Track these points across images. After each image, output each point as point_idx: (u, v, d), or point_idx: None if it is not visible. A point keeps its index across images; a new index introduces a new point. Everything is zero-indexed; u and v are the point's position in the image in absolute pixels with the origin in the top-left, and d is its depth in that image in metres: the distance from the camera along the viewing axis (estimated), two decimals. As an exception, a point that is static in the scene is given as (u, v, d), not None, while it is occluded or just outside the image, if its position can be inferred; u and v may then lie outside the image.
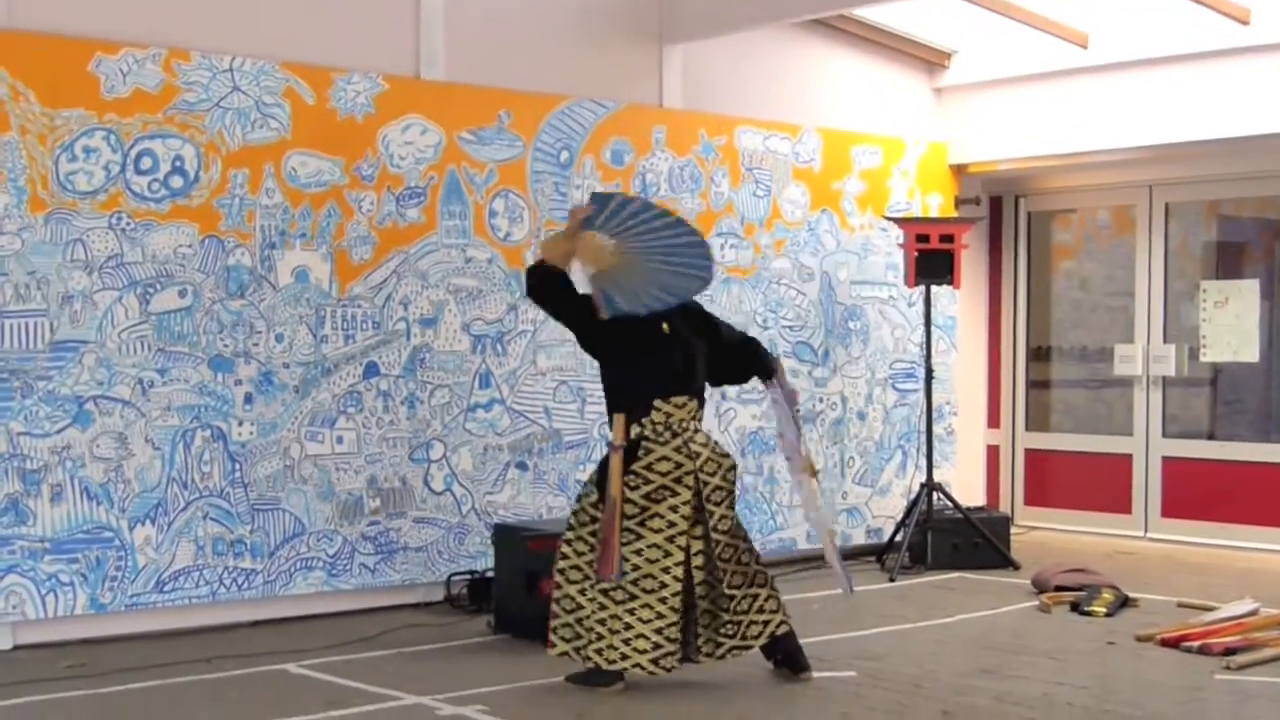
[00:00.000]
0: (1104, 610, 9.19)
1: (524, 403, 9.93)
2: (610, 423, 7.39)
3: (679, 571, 7.22)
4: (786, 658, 7.51)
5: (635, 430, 7.30)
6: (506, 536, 8.82)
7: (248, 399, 8.83)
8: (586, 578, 7.30)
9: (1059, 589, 9.76)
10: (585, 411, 10.15)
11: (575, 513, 7.45)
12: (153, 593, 8.50)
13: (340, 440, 9.18)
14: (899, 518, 11.53)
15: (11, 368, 8.06)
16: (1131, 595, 9.57)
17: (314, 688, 7.35)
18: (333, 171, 9.17)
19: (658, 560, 7.21)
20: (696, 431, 7.41)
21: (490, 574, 9.20)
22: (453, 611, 9.31)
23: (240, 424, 8.81)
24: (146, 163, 8.49)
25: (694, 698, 7.18)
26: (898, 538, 11.23)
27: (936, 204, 12.54)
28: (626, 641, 7.17)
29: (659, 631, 7.17)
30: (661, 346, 7.44)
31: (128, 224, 8.43)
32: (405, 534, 9.41)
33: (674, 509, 7.23)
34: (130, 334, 8.43)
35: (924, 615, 9.29)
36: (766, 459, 11.21)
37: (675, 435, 7.32)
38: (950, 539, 11.07)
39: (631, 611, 7.18)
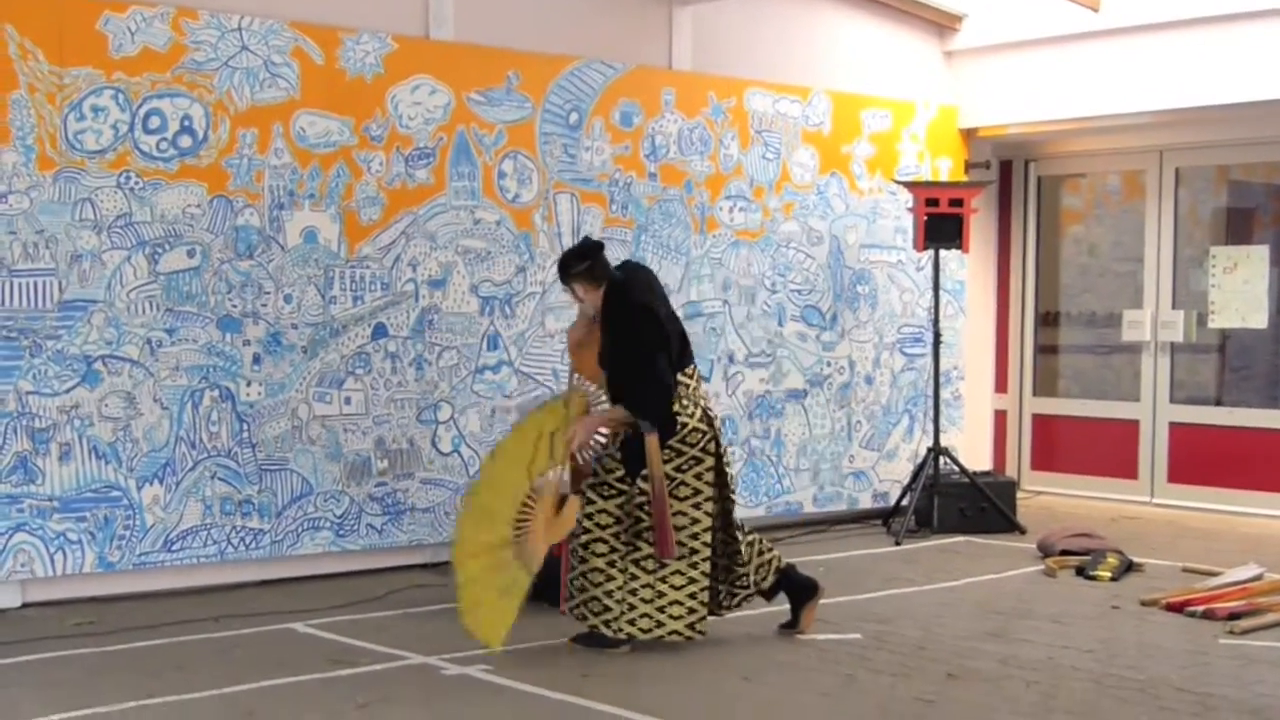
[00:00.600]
0: (1109, 575, 9.21)
1: (532, 365, 9.94)
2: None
3: (708, 537, 7.34)
4: (798, 586, 7.68)
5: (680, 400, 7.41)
6: (513, 498, 8.82)
7: (256, 359, 8.85)
8: (614, 549, 7.32)
9: (1064, 553, 9.78)
10: (593, 374, 10.15)
11: (595, 486, 7.42)
12: (161, 552, 8.53)
13: (348, 401, 9.19)
14: (905, 482, 11.54)
15: (20, 327, 8.07)
16: (1137, 560, 9.59)
17: (320, 647, 7.38)
18: (341, 132, 9.16)
19: (686, 527, 7.30)
20: (704, 397, 7.50)
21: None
22: (459, 572, 9.33)
23: (248, 384, 8.82)
24: (155, 122, 8.48)
25: (698, 658, 7.20)
26: (904, 502, 11.25)
27: (946, 168, 12.51)
28: (661, 609, 7.28)
29: (692, 596, 7.29)
30: (675, 321, 7.57)
31: (136, 183, 8.42)
32: (413, 495, 9.43)
33: (699, 476, 7.33)
34: (139, 294, 8.43)
35: (929, 579, 9.31)
36: (773, 422, 11.22)
37: (696, 405, 7.40)
38: (956, 503, 11.08)
39: (664, 579, 7.28)
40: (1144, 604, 8.46)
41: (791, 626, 7.71)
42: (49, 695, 6.36)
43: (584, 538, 7.39)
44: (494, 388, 9.76)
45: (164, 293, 8.52)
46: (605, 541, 7.33)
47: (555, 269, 7.89)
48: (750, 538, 7.60)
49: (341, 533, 9.17)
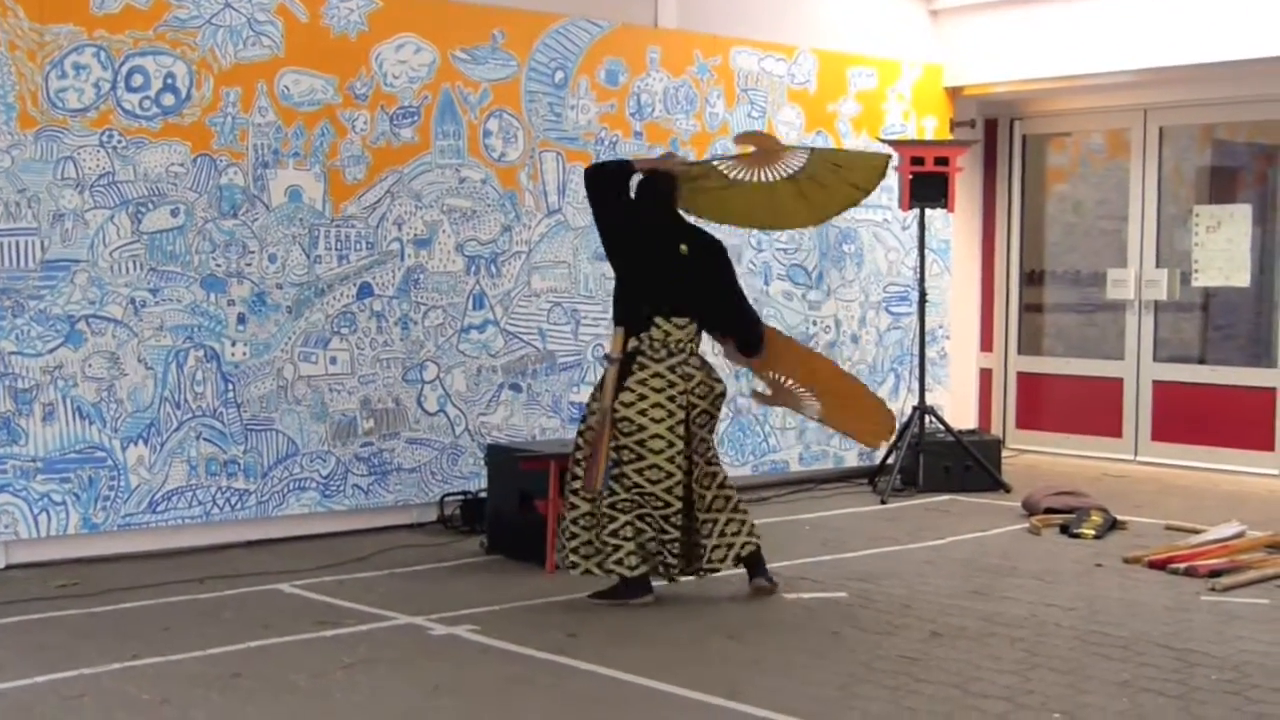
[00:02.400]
0: (1093, 532, 9.24)
1: (518, 324, 9.93)
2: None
3: (680, 491, 7.36)
4: (750, 570, 7.64)
5: (633, 344, 7.38)
6: (500, 457, 8.84)
7: (240, 319, 8.83)
8: (600, 493, 7.36)
9: (1049, 511, 9.81)
10: (579, 333, 10.15)
11: (581, 432, 7.50)
12: (145, 513, 8.52)
13: (334, 361, 9.18)
14: (891, 440, 11.56)
15: (2, 286, 8.04)
16: (1120, 518, 9.62)
17: (307, 607, 7.38)
18: (326, 90, 9.12)
19: (660, 481, 7.32)
20: (692, 354, 7.47)
21: (483, 495, 9.22)
22: (446, 532, 9.34)
23: (233, 344, 8.80)
24: (137, 80, 8.44)
25: (684, 618, 7.22)
26: (889, 460, 11.26)
27: (931, 127, 12.49)
28: (642, 546, 7.34)
29: (663, 545, 7.38)
30: (676, 267, 7.51)
31: (119, 142, 8.39)
32: (399, 455, 9.43)
33: (671, 429, 7.32)
34: (122, 253, 8.41)
35: (914, 537, 9.34)
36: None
37: (671, 354, 7.38)
38: (942, 462, 11.11)
39: (641, 518, 7.34)
40: (1127, 561, 8.49)
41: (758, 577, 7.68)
42: (33, 657, 6.36)
43: (574, 484, 7.41)
44: (479, 347, 9.75)
45: (147, 252, 8.49)
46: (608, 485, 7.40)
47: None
48: (715, 517, 7.51)
49: (327, 493, 9.17)
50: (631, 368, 7.35)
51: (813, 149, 8.40)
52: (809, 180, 7.86)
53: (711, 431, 7.54)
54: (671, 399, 7.33)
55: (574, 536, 7.42)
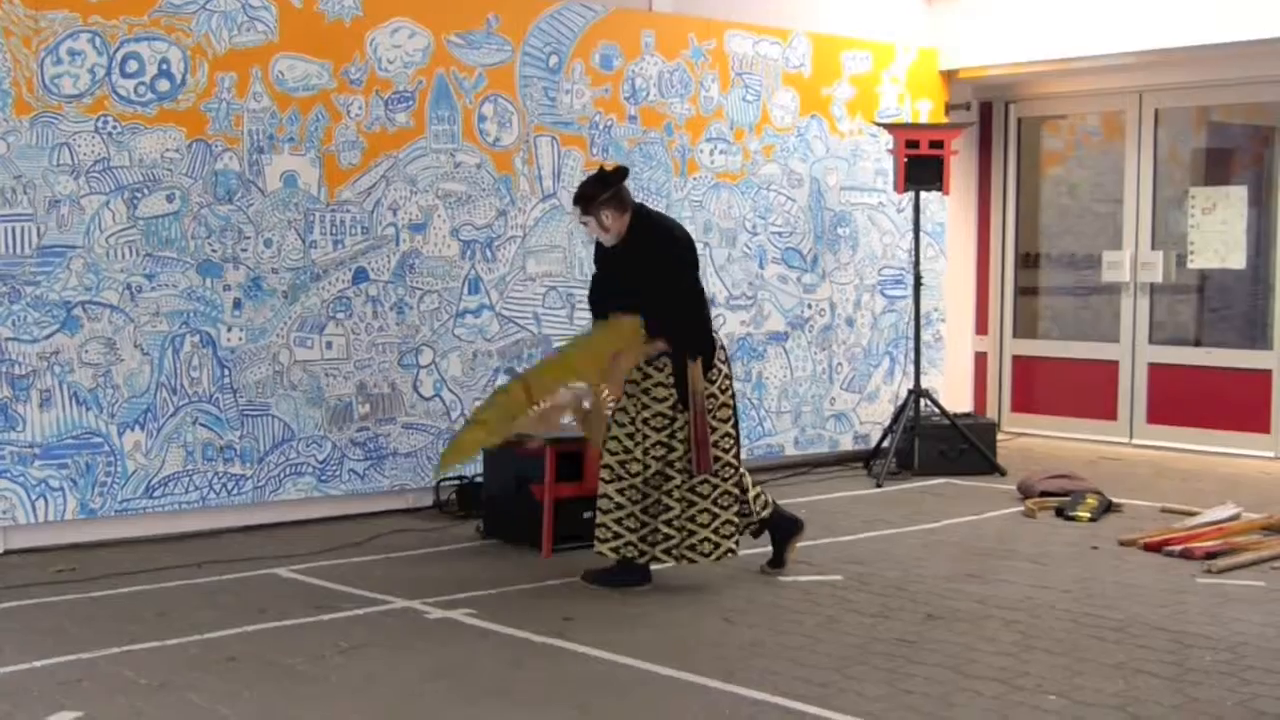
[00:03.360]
0: (1088, 515, 9.26)
1: (513, 308, 9.94)
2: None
3: (741, 454, 7.59)
4: (783, 522, 7.84)
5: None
6: (495, 442, 8.84)
7: (236, 304, 8.83)
8: (669, 478, 7.37)
9: (1044, 494, 9.83)
10: (574, 317, 10.15)
11: (645, 420, 7.39)
12: (142, 498, 8.53)
13: (329, 346, 9.18)
14: (886, 424, 11.59)
15: (-1, 273, 8.06)
16: (1116, 500, 9.64)
17: (303, 592, 7.40)
18: (320, 75, 9.11)
19: (731, 449, 7.46)
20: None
21: (479, 480, 9.23)
22: (442, 517, 9.36)
23: (229, 329, 8.81)
24: (132, 66, 8.44)
25: (681, 601, 7.24)
26: (885, 444, 11.28)
27: (926, 109, 12.49)
28: (716, 531, 7.40)
29: (739, 514, 7.51)
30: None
31: (114, 127, 8.38)
32: (395, 439, 9.44)
33: (731, 396, 7.54)
34: (118, 239, 8.41)
35: (910, 520, 9.36)
36: (755, 365, 11.24)
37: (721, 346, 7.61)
38: (937, 445, 11.12)
39: (716, 501, 7.40)
40: (1122, 544, 8.51)
41: (775, 565, 7.76)
42: (31, 642, 6.37)
43: (646, 472, 7.39)
44: (475, 331, 9.76)
45: (143, 238, 8.49)
46: (665, 474, 7.38)
47: (572, 202, 7.68)
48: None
49: (324, 478, 9.18)
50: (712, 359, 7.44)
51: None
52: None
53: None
54: (723, 390, 7.52)
55: (643, 525, 7.42)
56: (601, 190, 7.38)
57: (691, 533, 7.37)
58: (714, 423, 7.38)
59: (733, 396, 7.53)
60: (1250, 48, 11.26)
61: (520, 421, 7.36)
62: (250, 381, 8.88)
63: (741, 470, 7.56)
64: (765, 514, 7.73)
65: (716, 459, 7.37)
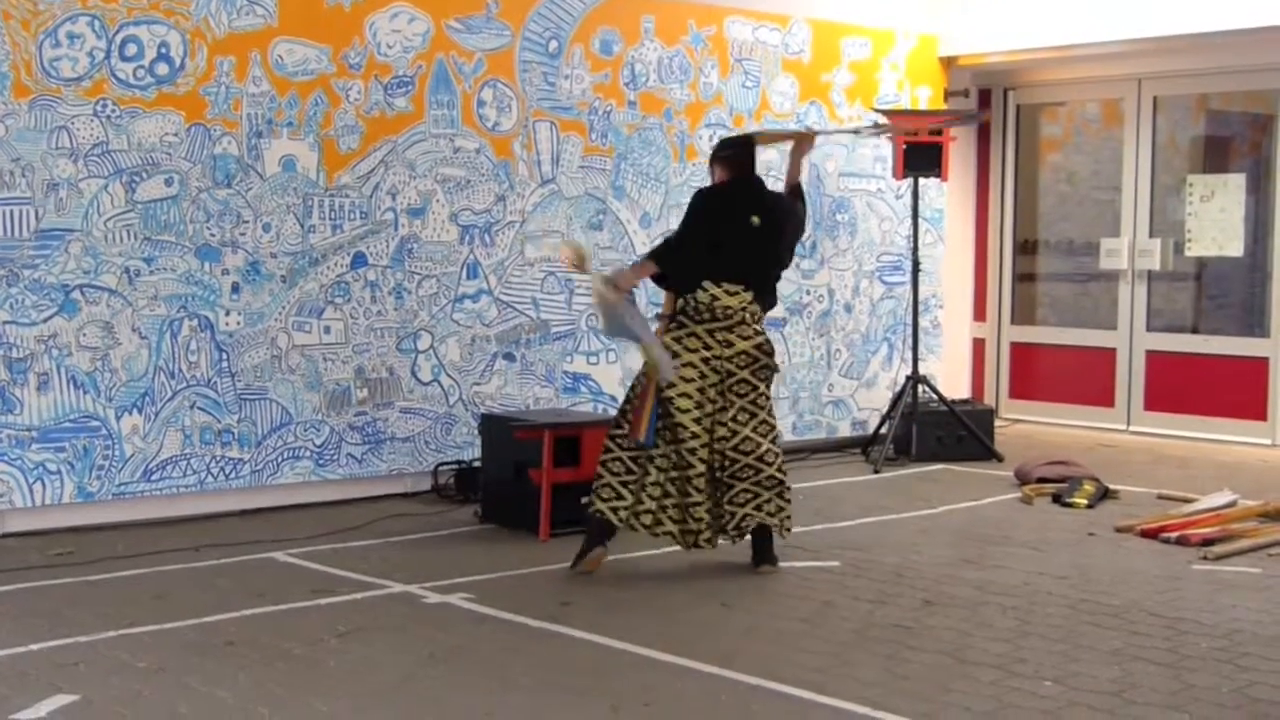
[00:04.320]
0: (1085, 502, 9.26)
1: (511, 293, 9.94)
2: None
3: (704, 454, 7.38)
4: (756, 548, 7.61)
5: (679, 304, 7.49)
6: (493, 427, 8.85)
7: (235, 289, 8.83)
8: (643, 446, 7.44)
9: (1041, 481, 9.84)
10: (573, 303, 10.16)
11: (633, 385, 7.56)
12: (140, 482, 8.53)
13: (328, 330, 9.18)
14: (884, 410, 11.59)
15: (-3, 256, 8.05)
16: (1112, 487, 9.65)
17: (301, 576, 7.40)
18: (320, 60, 9.10)
19: (685, 440, 7.36)
20: (743, 324, 7.47)
21: (477, 464, 9.24)
22: (440, 501, 9.36)
23: (227, 314, 8.80)
24: (131, 49, 8.43)
25: (678, 587, 7.25)
26: (883, 430, 11.29)
27: (925, 96, 12.48)
28: (663, 509, 7.39)
29: (687, 510, 7.39)
30: (745, 238, 7.53)
31: (113, 111, 8.37)
32: (393, 424, 9.45)
33: (701, 390, 7.38)
34: (116, 222, 8.40)
35: (908, 506, 9.36)
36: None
37: (715, 319, 7.42)
38: (935, 431, 11.13)
39: (673, 480, 7.40)
40: (1119, 530, 8.52)
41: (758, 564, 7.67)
42: (29, 625, 6.38)
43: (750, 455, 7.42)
44: (473, 316, 9.76)
45: (142, 221, 8.49)
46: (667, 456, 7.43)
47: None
48: (756, 490, 7.48)
49: (321, 462, 9.18)
50: (670, 326, 7.49)
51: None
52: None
53: (756, 402, 7.47)
54: (706, 362, 7.40)
55: (599, 477, 7.46)
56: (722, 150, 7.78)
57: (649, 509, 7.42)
58: (670, 408, 7.33)
59: (710, 398, 7.39)
60: (1249, 35, 11.26)
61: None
62: (248, 365, 8.88)
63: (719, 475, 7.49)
64: (747, 533, 7.59)
65: (669, 443, 7.35)
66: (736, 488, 7.40)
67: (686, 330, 7.43)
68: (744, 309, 7.47)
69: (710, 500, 7.45)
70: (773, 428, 7.53)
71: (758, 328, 7.53)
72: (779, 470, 7.48)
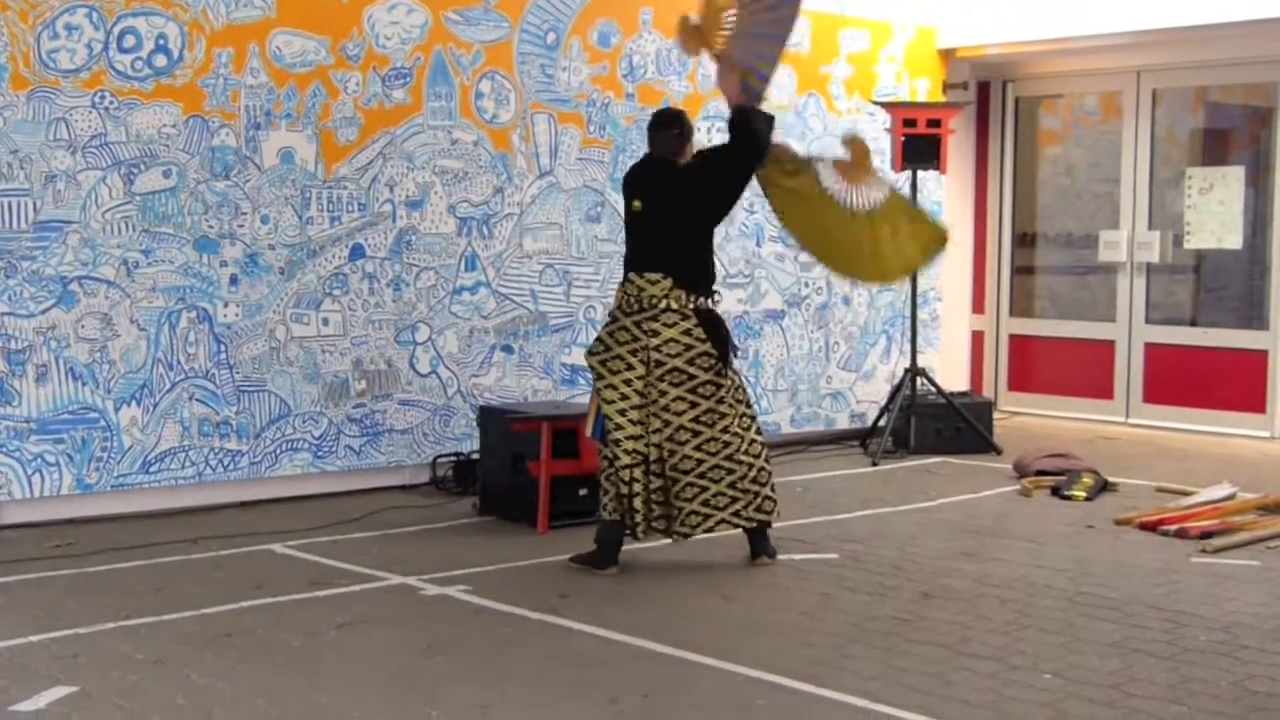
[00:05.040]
0: (1084, 494, 9.26)
1: (509, 285, 9.93)
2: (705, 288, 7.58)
3: (630, 445, 7.29)
4: (751, 541, 7.59)
5: (617, 298, 7.47)
6: (492, 419, 8.85)
7: (233, 280, 8.82)
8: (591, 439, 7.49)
9: (1040, 473, 9.84)
10: (571, 295, 10.15)
11: (726, 394, 7.50)
12: (139, 473, 8.53)
13: (326, 322, 9.18)
14: (883, 403, 11.59)
15: (-5, 247, 8.05)
16: (1111, 480, 9.65)
17: (299, 568, 7.40)
18: (318, 51, 9.09)
19: (611, 431, 7.33)
20: (668, 311, 7.35)
21: (476, 456, 9.24)
22: (438, 493, 9.36)
23: (225, 305, 8.80)
24: (130, 41, 8.42)
25: (678, 579, 7.25)
26: (881, 422, 11.28)
27: (924, 88, 12.48)
28: (618, 497, 7.39)
29: (626, 500, 7.33)
30: (634, 224, 7.53)
31: (111, 103, 8.36)
32: (391, 416, 9.44)
33: (627, 382, 7.33)
34: (114, 214, 8.39)
35: (906, 499, 9.36)
36: (751, 343, 11.24)
37: (642, 310, 7.35)
38: (933, 424, 11.13)
39: (608, 477, 7.40)
40: (1118, 523, 8.52)
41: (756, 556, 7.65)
42: (27, 617, 6.37)
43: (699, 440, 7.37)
44: (471, 309, 9.75)
45: (140, 213, 8.48)
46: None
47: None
48: (703, 484, 7.36)
49: (320, 454, 9.18)
50: (606, 321, 7.51)
51: (895, 189, 8.19)
52: (885, 223, 7.77)
53: (695, 391, 7.31)
54: (634, 353, 7.33)
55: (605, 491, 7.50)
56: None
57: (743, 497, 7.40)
58: (599, 399, 7.36)
59: (636, 389, 7.31)
60: (1248, 28, 11.25)
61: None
62: (247, 357, 8.88)
63: (663, 467, 7.40)
64: (695, 533, 7.45)
65: (698, 433, 7.31)
66: (681, 482, 7.31)
67: (618, 324, 7.41)
68: (665, 296, 7.35)
69: (649, 492, 7.34)
70: (723, 415, 7.35)
71: (687, 313, 7.37)
72: (730, 459, 7.34)
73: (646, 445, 7.32)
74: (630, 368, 7.33)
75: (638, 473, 7.31)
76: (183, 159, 8.61)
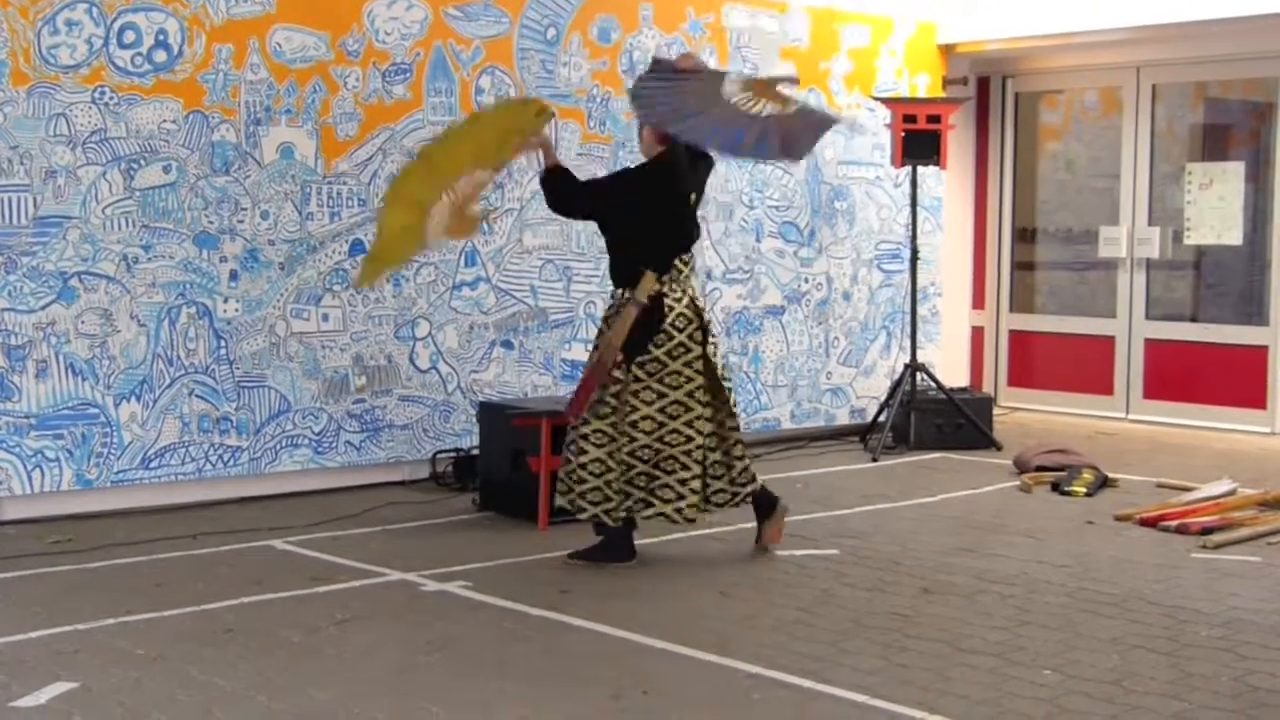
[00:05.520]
0: (1084, 490, 9.27)
1: (509, 281, 9.93)
2: (620, 281, 7.46)
3: (701, 425, 7.36)
4: (760, 503, 7.69)
5: (656, 287, 7.37)
6: (491, 414, 8.85)
7: (233, 276, 8.82)
8: (612, 439, 7.34)
9: (1040, 469, 9.84)
10: (571, 290, 10.15)
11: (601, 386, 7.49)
12: (139, 469, 8.53)
13: (326, 318, 9.18)
14: (883, 398, 11.59)
15: (-5, 243, 8.04)
16: (1111, 475, 9.65)
17: (299, 563, 7.40)
18: (318, 47, 9.09)
19: (680, 415, 7.32)
20: (692, 288, 7.52)
21: (475, 452, 9.24)
22: (438, 489, 9.36)
23: (225, 301, 8.80)
24: (130, 36, 8.41)
25: (676, 574, 7.25)
26: (881, 418, 11.29)
27: (924, 84, 12.47)
28: (652, 492, 7.33)
29: (682, 483, 7.33)
30: (688, 210, 7.56)
31: (111, 98, 8.36)
32: (391, 412, 9.44)
33: (689, 364, 7.36)
34: (114, 209, 8.39)
35: (906, 495, 9.36)
36: (751, 339, 11.24)
37: (684, 293, 7.42)
38: (933, 419, 11.13)
39: (657, 465, 7.32)
40: (1118, 519, 8.52)
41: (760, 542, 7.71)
42: (27, 612, 6.38)
43: (584, 429, 7.37)
44: (471, 304, 9.75)
45: (140, 209, 8.48)
46: (604, 433, 7.34)
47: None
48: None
49: (320, 450, 9.18)
50: (656, 311, 7.33)
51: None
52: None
53: (637, 377, 7.39)
54: (691, 336, 7.39)
55: (581, 482, 7.38)
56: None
57: (628, 495, 7.36)
58: (661, 386, 7.29)
59: (698, 370, 7.36)
60: (1248, 23, 11.25)
61: (434, 223, 7.38)
62: (246, 353, 8.88)
63: (723, 441, 7.51)
64: (751, 488, 7.62)
65: (661, 425, 7.29)
66: (637, 468, 7.38)
67: (676, 311, 7.44)
68: (692, 273, 7.56)
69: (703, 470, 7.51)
70: (639, 407, 7.34)
71: (613, 304, 7.50)
72: (649, 460, 7.36)
73: (618, 433, 7.38)
74: (690, 350, 7.36)
75: (703, 453, 7.43)
76: (183, 154, 8.61)
